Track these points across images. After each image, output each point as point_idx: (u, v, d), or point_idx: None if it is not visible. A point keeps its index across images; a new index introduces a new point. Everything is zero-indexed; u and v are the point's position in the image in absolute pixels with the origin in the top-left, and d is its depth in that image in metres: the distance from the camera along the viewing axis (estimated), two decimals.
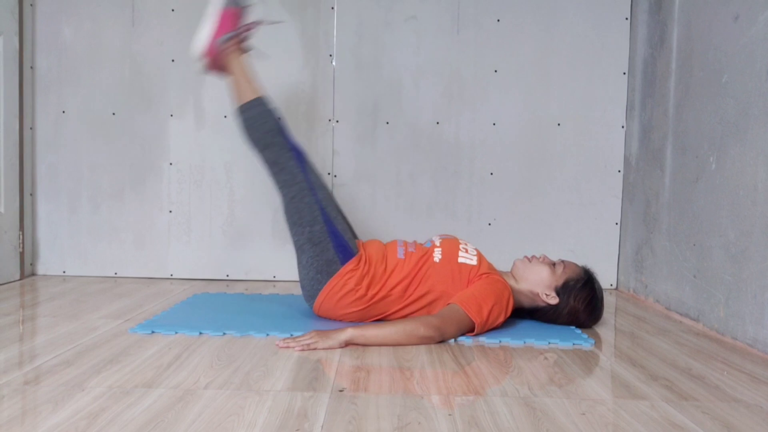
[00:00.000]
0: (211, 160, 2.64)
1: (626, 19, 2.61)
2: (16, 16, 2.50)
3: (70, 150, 2.64)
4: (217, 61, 1.99)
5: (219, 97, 2.62)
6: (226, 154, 2.64)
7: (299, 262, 1.90)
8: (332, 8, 2.60)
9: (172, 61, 2.61)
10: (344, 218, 1.99)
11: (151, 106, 2.63)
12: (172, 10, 2.61)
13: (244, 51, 2.01)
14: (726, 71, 1.89)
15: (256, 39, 2.45)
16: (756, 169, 1.71)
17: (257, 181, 2.64)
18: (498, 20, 2.61)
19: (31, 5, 2.58)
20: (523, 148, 2.65)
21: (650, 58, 2.42)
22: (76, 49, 2.61)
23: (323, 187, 1.95)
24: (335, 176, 2.63)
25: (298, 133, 2.63)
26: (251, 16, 2.02)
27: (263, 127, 1.91)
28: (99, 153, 2.64)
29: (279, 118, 1.96)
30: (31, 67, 2.60)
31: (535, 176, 2.65)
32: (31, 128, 2.61)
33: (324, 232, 1.85)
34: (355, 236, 2.01)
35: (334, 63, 2.62)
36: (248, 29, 1.99)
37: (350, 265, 1.85)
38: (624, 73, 2.62)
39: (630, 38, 2.61)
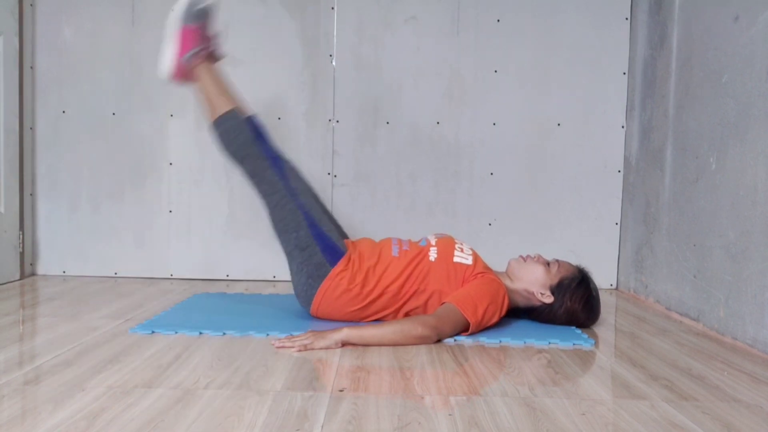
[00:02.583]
0: (211, 160, 2.64)
1: (626, 19, 2.61)
2: (16, 16, 2.50)
3: (70, 150, 2.64)
4: (188, 78, 1.96)
5: None
6: None
7: (291, 270, 1.91)
8: (332, 8, 2.60)
9: None
10: (331, 219, 1.99)
11: (151, 106, 2.63)
12: (172, 10, 2.60)
13: (215, 60, 1.97)
14: (726, 71, 1.89)
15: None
16: (756, 169, 1.71)
17: None
18: (498, 20, 2.61)
19: (31, 5, 2.58)
20: (523, 148, 2.65)
21: (650, 59, 2.42)
22: (76, 49, 2.61)
23: (306, 191, 1.94)
24: (335, 176, 2.63)
25: (298, 133, 2.63)
26: (213, 27, 1.97)
27: (237, 140, 1.90)
28: (99, 153, 2.64)
29: (255, 127, 1.93)
30: (31, 67, 2.60)
31: (535, 176, 2.65)
32: (31, 128, 2.61)
33: (309, 236, 1.86)
34: (344, 236, 2.01)
35: (334, 63, 2.62)
36: (211, 42, 1.95)
37: (340, 266, 1.85)
38: (624, 74, 2.62)
39: (630, 38, 2.61)
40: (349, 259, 1.87)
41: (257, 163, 1.90)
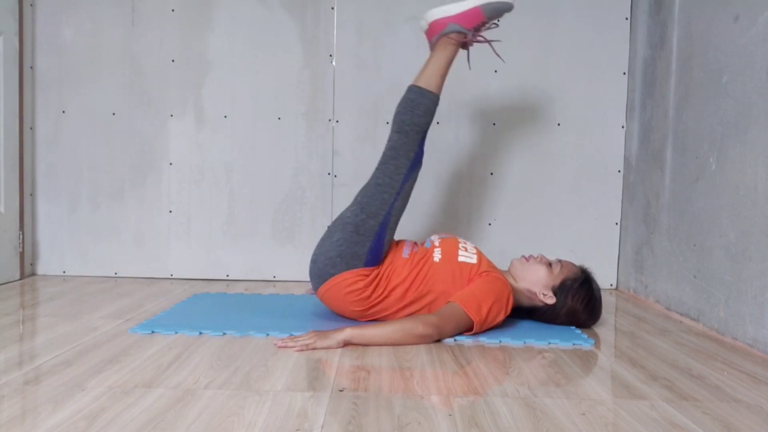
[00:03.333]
0: (211, 160, 2.64)
1: (626, 19, 2.61)
2: (16, 16, 2.50)
3: (70, 150, 2.64)
4: (432, 39, 2.01)
5: (219, 97, 2.63)
6: (226, 154, 2.64)
7: (328, 237, 1.91)
8: (332, 8, 2.60)
9: (172, 61, 2.61)
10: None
11: (151, 106, 2.63)
12: (172, 10, 2.61)
13: (460, 49, 2.03)
14: (726, 71, 1.89)
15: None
16: (756, 169, 1.71)
17: (257, 181, 2.64)
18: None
19: (31, 5, 2.58)
20: (523, 148, 2.65)
21: (650, 59, 2.42)
22: (76, 49, 2.61)
23: (406, 198, 1.96)
24: (335, 176, 2.63)
25: (298, 133, 2.64)
26: (490, 34, 2.04)
27: (414, 119, 1.93)
28: (99, 153, 2.64)
29: (429, 123, 1.97)
30: (31, 67, 2.60)
31: (535, 176, 2.65)
32: (31, 128, 2.61)
33: (373, 231, 1.87)
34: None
35: (334, 63, 2.62)
36: (479, 40, 2.01)
37: (367, 270, 1.86)
38: (624, 74, 2.62)
39: (630, 39, 2.61)
40: (376, 269, 1.88)
41: (406, 148, 1.92)
